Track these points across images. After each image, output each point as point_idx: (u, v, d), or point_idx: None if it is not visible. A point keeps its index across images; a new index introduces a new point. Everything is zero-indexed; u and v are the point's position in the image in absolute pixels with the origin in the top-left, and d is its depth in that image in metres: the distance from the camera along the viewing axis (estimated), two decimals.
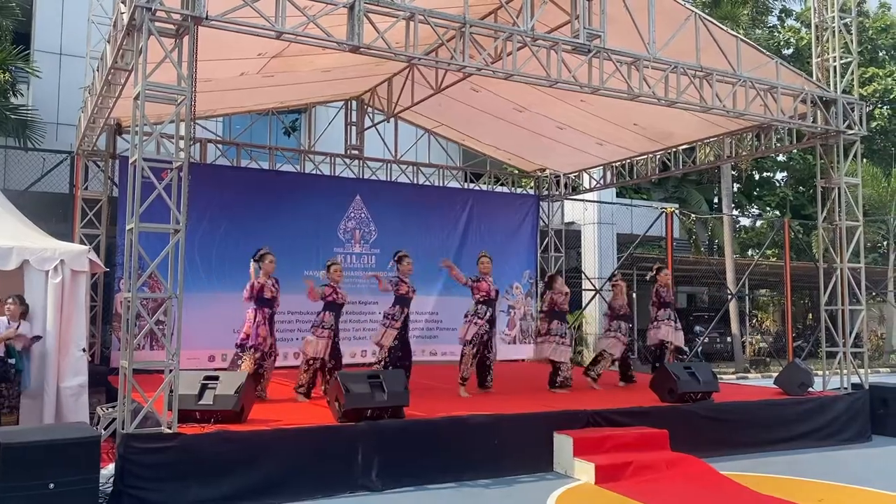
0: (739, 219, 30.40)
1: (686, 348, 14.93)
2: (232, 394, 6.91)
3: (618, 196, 21.72)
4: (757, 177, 31.40)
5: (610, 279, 11.31)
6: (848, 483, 7.37)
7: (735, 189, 27.81)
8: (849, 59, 10.25)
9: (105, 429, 6.61)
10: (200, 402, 6.85)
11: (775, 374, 11.31)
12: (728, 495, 6.80)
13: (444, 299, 13.39)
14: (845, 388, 10.01)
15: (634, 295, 11.29)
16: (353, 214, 13.09)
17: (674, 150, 12.75)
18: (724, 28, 9.47)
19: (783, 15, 29.94)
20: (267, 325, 8.52)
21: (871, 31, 29.94)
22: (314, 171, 13.53)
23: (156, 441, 6.13)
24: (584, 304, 18.65)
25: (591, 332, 18.93)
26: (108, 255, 11.05)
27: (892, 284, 23.61)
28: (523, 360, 14.24)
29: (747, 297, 22.70)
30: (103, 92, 8.48)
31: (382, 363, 9.08)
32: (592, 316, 18.56)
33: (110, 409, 6.72)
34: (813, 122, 9.91)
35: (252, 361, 8.34)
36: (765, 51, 9.93)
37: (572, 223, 19.31)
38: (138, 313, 6.33)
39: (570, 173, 15.06)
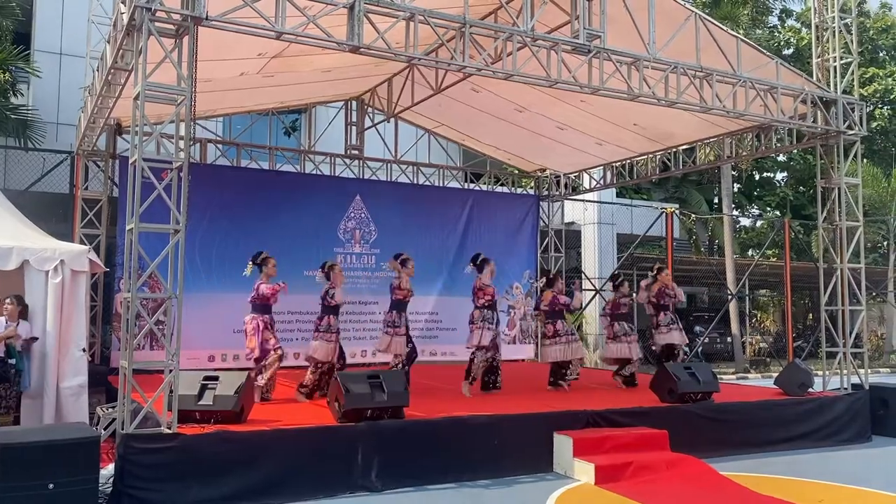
0: (740, 219, 30.43)
1: (686, 348, 14.90)
2: (232, 394, 6.91)
3: (618, 196, 21.73)
4: (757, 177, 31.41)
5: (614, 281, 11.24)
6: (848, 483, 7.36)
7: (735, 189, 27.83)
8: (849, 60, 10.25)
9: (105, 429, 6.61)
10: (200, 403, 6.85)
11: (775, 375, 11.31)
12: (728, 496, 6.79)
13: (443, 299, 13.41)
14: (845, 389, 10.01)
15: (635, 295, 11.24)
16: (353, 214, 13.09)
17: (674, 150, 12.74)
18: (725, 28, 9.46)
19: (783, 15, 29.97)
20: (271, 329, 8.60)
21: (871, 32, 29.96)
22: (314, 172, 13.53)
23: (155, 441, 6.13)
24: (583, 305, 18.63)
25: (590, 332, 18.94)
26: (108, 255, 11.05)
27: (893, 285, 23.62)
28: (523, 360, 14.25)
29: (747, 298, 22.72)
30: (103, 92, 8.48)
31: (400, 366, 9.20)
32: (592, 316, 18.57)
33: (110, 409, 6.72)
34: (813, 122, 9.91)
35: (277, 359, 8.44)
36: (765, 51, 9.92)
37: (572, 223, 19.32)
38: (138, 313, 6.33)
39: (570, 173, 15.06)
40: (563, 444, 7.53)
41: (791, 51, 29.13)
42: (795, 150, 26.07)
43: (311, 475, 6.61)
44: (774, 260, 25.19)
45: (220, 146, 13.00)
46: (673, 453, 7.71)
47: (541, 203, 15.22)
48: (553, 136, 12.71)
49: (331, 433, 6.93)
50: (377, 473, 6.83)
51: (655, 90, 8.59)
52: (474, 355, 9.46)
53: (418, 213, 13.62)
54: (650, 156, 13.30)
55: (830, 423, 9.38)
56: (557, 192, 15.20)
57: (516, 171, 15.97)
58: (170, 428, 6.23)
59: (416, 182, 14.24)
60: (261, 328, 8.45)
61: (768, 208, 30.69)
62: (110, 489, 6.06)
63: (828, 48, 10.27)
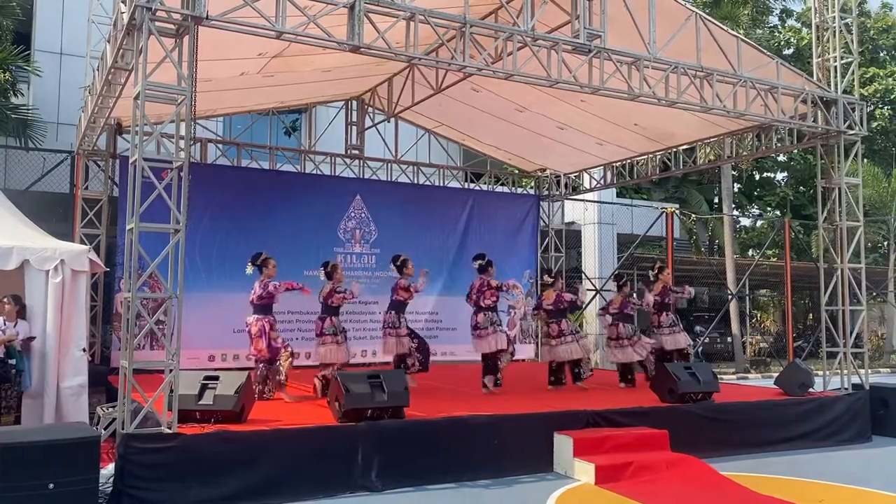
0: (740, 219, 30.41)
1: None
2: (232, 394, 6.90)
3: (618, 196, 21.70)
4: (757, 177, 31.40)
5: (618, 281, 11.22)
6: (848, 483, 7.36)
7: (735, 189, 27.82)
8: (849, 60, 10.24)
9: (105, 429, 6.62)
10: (200, 402, 6.84)
11: (775, 375, 11.30)
12: (728, 496, 6.79)
13: (443, 299, 13.40)
14: (845, 389, 10.01)
15: (644, 302, 11.21)
16: (353, 214, 13.09)
17: (674, 150, 12.74)
18: (725, 28, 9.46)
19: (784, 15, 29.95)
20: (275, 330, 8.63)
21: (872, 32, 29.95)
22: (314, 171, 13.53)
23: (156, 441, 6.13)
24: (584, 304, 18.63)
25: (590, 332, 18.92)
26: (108, 254, 11.05)
27: (893, 285, 23.63)
28: (523, 360, 14.23)
29: (748, 298, 22.71)
30: (103, 92, 8.48)
31: (417, 365, 9.34)
32: (592, 316, 18.55)
33: (110, 409, 6.72)
34: (813, 122, 9.90)
35: (289, 356, 8.47)
36: (765, 51, 9.92)
37: (572, 223, 19.30)
38: (138, 313, 6.33)
39: (571, 173, 15.06)
40: (563, 444, 7.53)
41: (791, 51, 29.12)
42: (796, 150, 26.06)
43: (311, 475, 6.61)
44: (775, 260, 25.17)
45: (220, 146, 13.00)
46: (673, 453, 7.71)
47: (541, 203, 15.22)
48: (553, 136, 12.71)
49: (331, 433, 6.93)
50: (377, 473, 6.83)
51: (656, 90, 8.58)
52: (496, 358, 9.48)
53: (418, 212, 13.62)
54: (650, 156, 13.30)
55: (830, 423, 9.38)
56: (557, 192, 15.20)
57: (516, 171, 15.96)
58: (170, 428, 6.23)
59: (416, 182, 14.23)
60: (267, 329, 8.46)
61: (768, 208, 30.68)
62: (110, 489, 6.06)
63: (828, 48, 10.26)
